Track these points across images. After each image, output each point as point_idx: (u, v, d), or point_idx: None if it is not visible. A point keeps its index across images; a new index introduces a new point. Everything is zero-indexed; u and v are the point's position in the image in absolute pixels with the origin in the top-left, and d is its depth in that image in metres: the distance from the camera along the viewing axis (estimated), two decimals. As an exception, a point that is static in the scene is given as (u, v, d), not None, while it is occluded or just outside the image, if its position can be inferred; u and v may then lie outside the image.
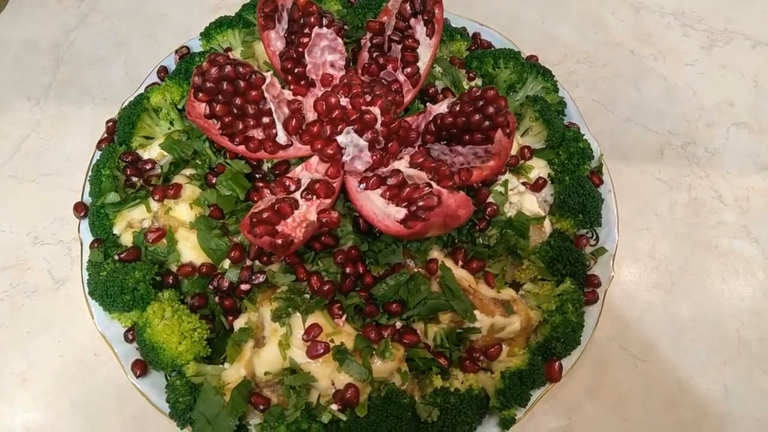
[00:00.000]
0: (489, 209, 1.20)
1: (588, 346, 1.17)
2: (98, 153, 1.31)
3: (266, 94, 1.06)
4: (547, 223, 1.25)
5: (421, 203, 0.99)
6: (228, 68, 1.04)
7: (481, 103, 1.10)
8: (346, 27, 1.46)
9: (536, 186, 1.31)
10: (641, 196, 1.53)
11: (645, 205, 1.52)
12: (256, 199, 1.17)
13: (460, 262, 1.15)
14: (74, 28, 1.75)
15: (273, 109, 1.07)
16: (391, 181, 1.07)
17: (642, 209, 1.51)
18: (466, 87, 1.39)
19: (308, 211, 1.04)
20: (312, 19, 1.14)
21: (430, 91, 1.31)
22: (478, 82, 1.45)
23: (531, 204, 1.25)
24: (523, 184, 1.30)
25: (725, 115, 1.67)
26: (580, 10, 1.87)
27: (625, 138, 1.62)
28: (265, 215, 0.98)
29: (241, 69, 1.05)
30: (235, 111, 1.08)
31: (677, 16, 1.86)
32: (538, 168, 1.34)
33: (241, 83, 1.06)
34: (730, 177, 1.57)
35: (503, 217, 1.22)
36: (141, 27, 1.77)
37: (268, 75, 1.07)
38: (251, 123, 1.08)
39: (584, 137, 1.36)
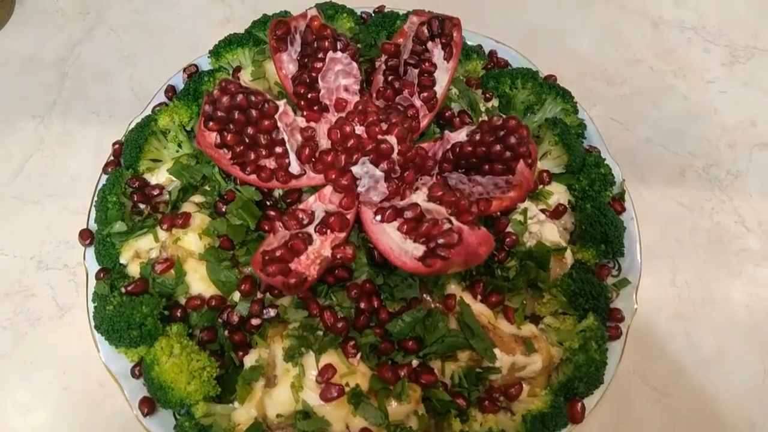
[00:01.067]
0: (508, 239, 1.16)
1: (608, 381, 1.13)
2: (104, 176, 1.28)
3: (279, 124, 1.02)
4: (568, 254, 1.20)
5: (440, 240, 0.94)
6: (240, 97, 1.00)
7: (502, 132, 1.05)
8: (359, 45, 1.42)
9: (556, 213, 1.26)
10: (662, 221, 1.49)
11: (666, 230, 1.48)
12: (267, 228, 1.13)
13: (479, 297, 1.11)
14: (79, 42, 1.71)
15: (286, 138, 1.02)
16: (408, 214, 1.02)
17: (663, 235, 1.47)
18: (483, 109, 1.35)
19: (322, 246, 1.00)
20: (326, 44, 1.10)
21: (446, 114, 1.27)
22: (495, 103, 1.40)
23: (551, 233, 1.20)
24: (542, 210, 1.25)
25: (748, 136, 1.62)
26: (598, 25, 1.82)
27: (645, 159, 1.57)
28: (278, 253, 0.93)
29: (253, 98, 1.01)
30: (247, 140, 1.04)
31: (698, 31, 1.81)
32: (558, 193, 1.30)
33: (254, 112, 1.02)
34: (753, 201, 1.52)
35: (523, 247, 1.17)
36: (147, 40, 1.73)
37: (281, 103, 1.03)
38: (263, 153, 1.04)
39: (605, 162, 1.32)
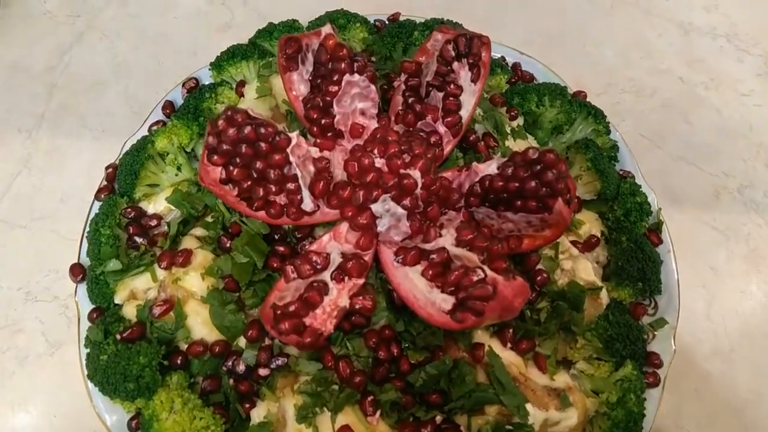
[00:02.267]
0: (539, 278, 1.06)
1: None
2: (97, 204, 1.17)
3: (291, 158, 0.91)
4: (603, 293, 1.11)
5: (473, 293, 0.85)
6: (248, 129, 0.89)
7: (538, 167, 0.95)
8: (373, 58, 1.31)
9: (588, 245, 1.17)
10: (695, 247, 1.39)
11: (699, 257, 1.38)
12: (276, 266, 1.03)
13: (509, 344, 1.02)
14: (69, 49, 1.59)
15: (299, 174, 0.92)
16: (434, 258, 0.92)
17: (696, 262, 1.37)
18: (508, 130, 1.24)
19: (339, 295, 0.90)
20: (342, 66, 0.99)
21: (471, 138, 1.16)
22: (520, 121, 1.30)
23: (586, 271, 1.11)
24: (573, 242, 1.16)
25: (786, 154, 1.52)
26: (624, 31, 1.70)
27: (676, 179, 1.47)
28: (291, 308, 0.84)
29: (262, 130, 0.90)
30: (255, 175, 0.94)
31: (730, 39, 1.70)
32: (589, 223, 1.20)
33: (263, 145, 0.91)
34: (792, 226, 1.42)
35: (555, 286, 1.08)
36: (142, 47, 1.61)
37: (294, 136, 0.92)
38: (273, 189, 0.93)
39: (641, 189, 1.22)
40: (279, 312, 0.84)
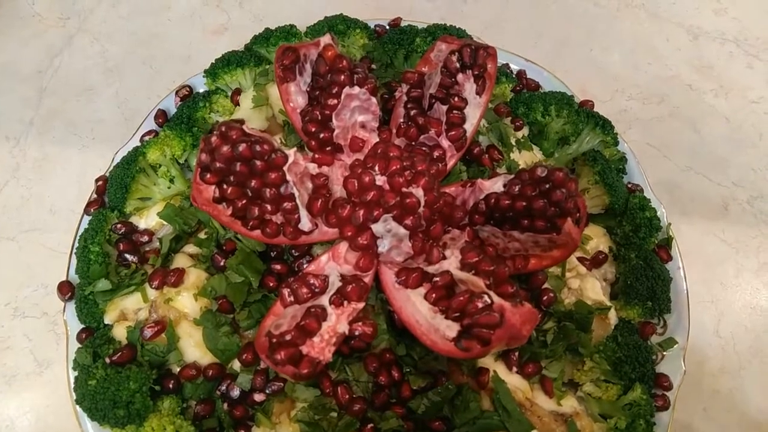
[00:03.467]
0: (545, 297, 1.03)
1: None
2: (86, 218, 1.13)
3: (288, 176, 0.87)
4: (612, 313, 1.07)
5: (479, 320, 0.81)
6: (242, 146, 0.85)
7: (546, 186, 0.91)
8: (373, 66, 1.26)
9: (595, 261, 1.13)
10: (703, 260, 1.35)
11: (708, 271, 1.34)
12: (272, 285, 0.99)
13: (514, 368, 0.98)
14: (59, 52, 1.54)
15: (296, 194, 0.87)
16: (437, 281, 0.88)
17: (705, 277, 1.34)
18: (513, 141, 1.20)
19: (338, 321, 0.86)
20: (342, 78, 0.94)
21: (475, 151, 1.12)
22: (525, 131, 1.25)
23: (594, 290, 1.07)
24: (580, 259, 1.12)
25: (797, 164, 1.48)
26: (631, 36, 1.66)
27: (685, 191, 1.43)
28: (287, 337, 0.79)
29: (258, 147, 0.85)
30: (250, 194, 0.89)
31: (740, 44, 1.66)
32: (596, 238, 1.16)
33: (258, 163, 0.86)
34: (804, 239, 1.39)
35: (561, 306, 1.04)
36: (134, 50, 1.56)
37: (291, 153, 0.87)
38: (269, 208, 0.89)
39: (650, 203, 1.18)
40: (274, 341, 0.80)
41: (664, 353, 1.09)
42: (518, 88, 1.33)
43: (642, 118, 1.53)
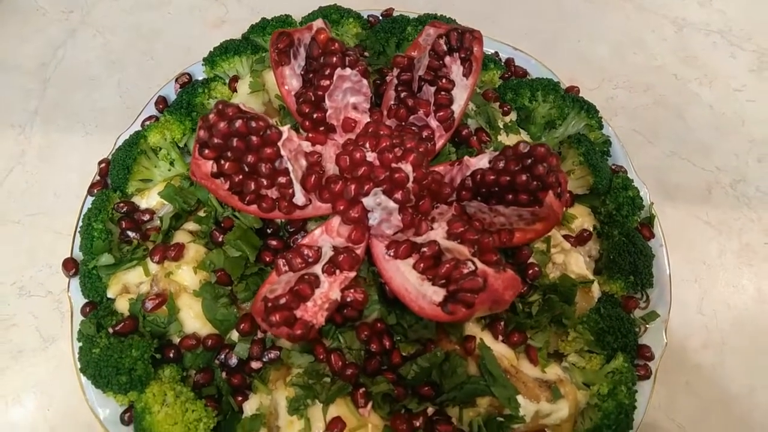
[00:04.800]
0: (530, 271, 1.07)
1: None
2: (90, 199, 1.17)
3: (283, 151, 0.92)
4: (595, 287, 1.11)
5: (463, 285, 0.85)
6: (239, 122, 0.90)
7: (529, 161, 0.95)
8: (366, 53, 1.31)
9: (580, 239, 1.17)
10: (687, 241, 1.40)
11: (692, 252, 1.39)
12: (268, 260, 1.04)
13: (500, 337, 1.02)
14: (62, 45, 1.59)
15: (290, 169, 0.92)
16: (425, 251, 0.93)
17: (689, 257, 1.38)
18: (501, 125, 1.25)
19: (331, 288, 0.90)
20: (334, 60, 0.99)
21: (464, 132, 1.17)
22: (513, 116, 1.30)
23: (578, 265, 1.11)
24: (566, 236, 1.16)
25: (778, 149, 1.53)
26: (618, 27, 1.71)
27: (670, 175, 1.48)
28: (282, 301, 0.84)
29: (254, 123, 0.90)
30: (247, 169, 0.94)
31: (723, 34, 1.71)
32: (581, 217, 1.20)
33: (254, 139, 0.91)
34: (784, 220, 1.43)
35: (546, 280, 1.08)
36: (136, 43, 1.61)
37: (285, 129, 0.92)
38: (265, 183, 0.94)
39: (633, 183, 1.22)
40: (270, 305, 0.84)
41: (647, 326, 1.14)
42: (506, 75, 1.38)
43: (628, 105, 1.58)
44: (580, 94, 1.34)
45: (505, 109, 1.29)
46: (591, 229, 1.19)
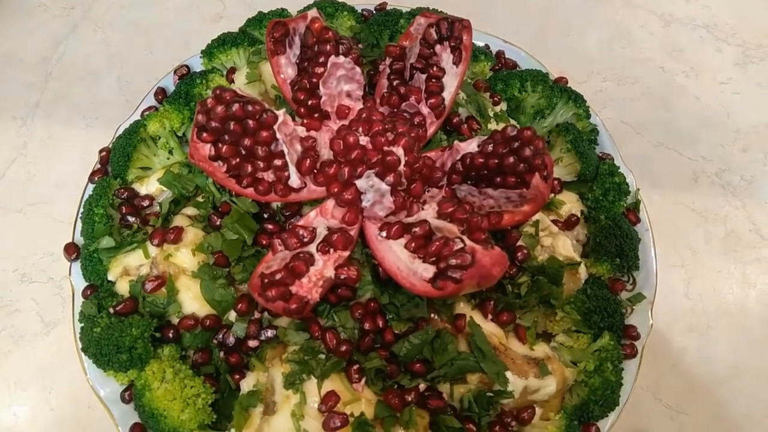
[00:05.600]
0: (519, 254, 1.10)
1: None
2: (91, 186, 1.20)
3: (278, 135, 0.95)
4: (582, 269, 1.14)
5: (452, 261, 0.88)
6: (236, 106, 0.93)
7: (516, 144, 0.99)
8: (360, 46, 1.34)
9: (568, 224, 1.20)
10: (674, 228, 1.44)
11: (678, 238, 1.43)
12: (264, 243, 1.07)
13: (490, 315, 1.05)
14: (63, 39, 1.62)
15: (286, 151, 0.95)
16: (416, 231, 0.96)
17: (675, 243, 1.42)
18: (491, 114, 1.28)
19: (325, 266, 0.93)
20: (328, 47, 1.03)
21: (454, 120, 1.20)
22: (503, 106, 1.34)
23: (565, 247, 1.14)
24: (554, 221, 1.20)
25: (762, 139, 1.57)
26: (607, 22, 1.75)
27: (657, 164, 1.52)
28: (277, 276, 0.87)
29: (250, 107, 0.93)
30: (243, 152, 0.97)
31: (709, 29, 1.75)
32: (570, 203, 1.24)
33: (251, 123, 0.94)
34: (768, 208, 1.47)
35: (535, 262, 1.11)
36: (135, 38, 1.64)
37: (281, 113, 0.95)
38: (261, 165, 0.97)
39: (619, 170, 1.26)
40: (266, 280, 0.87)
41: (633, 307, 1.17)
42: (497, 67, 1.42)
43: (616, 97, 1.62)
44: (568, 85, 1.38)
45: (496, 99, 1.32)
46: (579, 214, 1.22)
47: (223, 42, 1.32)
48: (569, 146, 1.24)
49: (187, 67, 1.36)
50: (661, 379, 1.26)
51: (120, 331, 0.99)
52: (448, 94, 1.12)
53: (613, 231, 1.16)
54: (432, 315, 1.03)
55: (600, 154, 1.31)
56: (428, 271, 0.91)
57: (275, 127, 0.95)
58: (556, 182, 1.23)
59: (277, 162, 0.97)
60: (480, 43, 1.43)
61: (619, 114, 1.58)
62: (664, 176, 1.50)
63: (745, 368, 1.27)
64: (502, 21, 1.71)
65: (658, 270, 1.18)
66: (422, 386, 0.99)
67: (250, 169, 0.97)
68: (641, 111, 1.59)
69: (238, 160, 0.97)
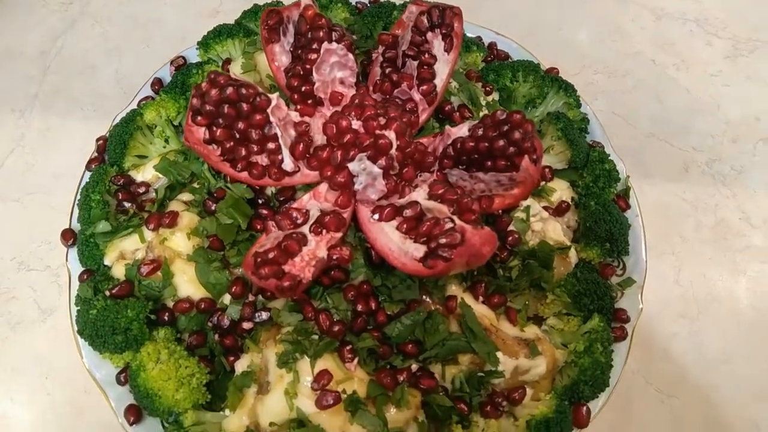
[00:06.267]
0: (510, 238, 1.11)
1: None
2: (87, 174, 1.22)
3: (272, 118, 0.97)
4: (572, 253, 1.16)
5: (442, 240, 0.90)
6: (230, 89, 0.95)
7: (506, 127, 1.01)
8: (354, 37, 1.36)
9: (559, 210, 1.22)
10: (665, 217, 1.45)
11: (669, 227, 1.44)
12: (259, 227, 1.08)
13: (481, 298, 1.07)
14: (62, 34, 1.64)
15: (279, 134, 0.97)
16: (407, 213, 0.98)
17: (666, 231, 1.43)
18: (483, 103, 1.30)
19: (317, 247, 0.95)
20: (321, 34, 1.05)
21: (446, 108, 1.22)
22: (495, 96, 1.36)
23: (555, 232, 1.16)
24: (545, 208, 1.21)
25: (752, 130, 1.59)
26: (598, 17, 1.77)
27: (648, 155, 1.54)
28: (270, 255, 0.88)
29: (243, 91, 0.95)
30: (237, 135, 0.99)
31: (700, 23, 1.77)
32: (560, 190, 1.25)
33: (244, 106, 0.96)
34: (758, 197, 1.49)
35: (525, 246, 1.13)
36: (133, 32, 1.66)
37: (274, 97, 0.97)
38: (255, 149, 0.99)
39: (609, 158, 1.28)
40: (259, 259, 0.88)
41: (624, 291, 1.18)
42: (489, 58, 1.44)
43: (608, 90, 1.64)
44: (560, 76, 1.40)
45: (488, 89, 1.34)
46: (569, 201, 1.24)
47: (219, 33, 1.34)
48: (560, 134, 1.26)
49: (183, 58, 1.38)
50: (651, 364, 1.28)
51: (116, 312, 1.01)
52: (439, 81, 1.14)
53: (603, 216, 1.18)
54: (424, 297, 1.05)
55: (590, 143, 1.33)
56: (419, 250, 0.93)
57: (268, 110, 0.96)
58: (547, 170, 1.25)
59: (271, 145, 0.98)
60: (472, 35, 1.45)
61: (610, 105, 1.60)
62: (655, 166, 1.52)
63: (734, 353, 1.29)
64: (493, 15, 1.73)
65: (649, 257, 1.20)
66: (414, 367, 1.01)
67: (244, 152, 0.99)
68: (632, 103, 1.61)
69: (232, 143, 0.99)
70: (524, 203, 1.16)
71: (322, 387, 0.93)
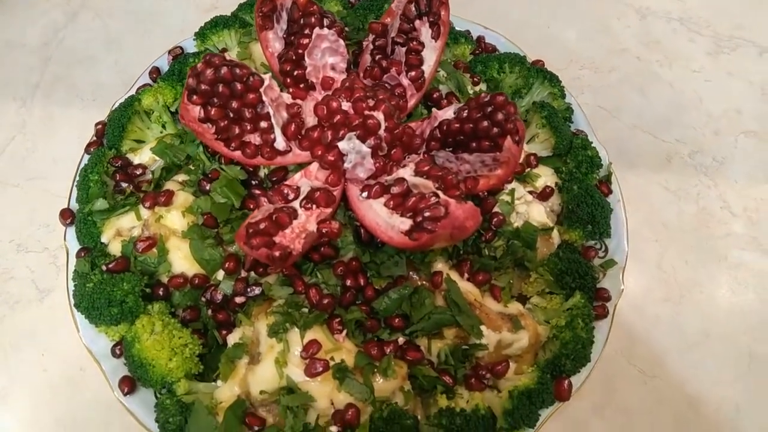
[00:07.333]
0: (495, 219, 1.15)
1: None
2: (86, 157, 1.26)
3: (264, 98, 1.01)
4: (555, 234, 1.20)
5: (427, 214, 0.94)
6: (224, 70, 0.99)
7: (489, 109, 1.05)
8: (347, 29, 1.41)
9: (543, 195, 1.26)
10: (649, 205, 1.49)
11: (652, 214, 1.48)
12: (252, 206, 1.12)
13: (466, 275, 1.10)
14: (63, 27, 1.69)
15: (271, 113, 1.01)
16: (395, 190, 1.02)
17: (649, 219, 1.47)
18: (471, 92, 1.35)
19: (307, 221, 0.99)
20: (312, 20, 1.09)
21: (434, 95, 1.26)
22: (483, 86, 1.40)
23: (539, 214, 1.20)
24: (530, 192, 1.25)
25: (733, 124, 1.63)
26: (586, 15, 1.83)
27: (632, 146, 1.58)
28: (262, 226, 0.92)
29: (237, 71, 1.00)
30: (231, 115, 1.03)
31: (683, 22, 1.83)
32: (545, 176, 1.29)
33: (238, 86, 1.00)
34: (738, 187, 1.53)
35: (510, 227, 1.17)
36: (133, 26, 1.71)
37: (267, 77, 1.01)
38: (248, 128, 1.03)
39: (592, 145, 1.32)
40: (251, 230, 0.92)
41: (606, 272, 1.22)
42: (477, 51, 1.48)
43: (594, 84, 1.69)
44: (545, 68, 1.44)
45: (475, 79, 1.39)
46: (553, 186, 1.28)
47: (216, 24, 1.39)
48: (544, 122, 1.30)
49: (181, 48, 1.43)
50: (634, 346, 1.31)
51: (112, 285, 1.04)
52: (427, 67, 1.18)
53: (585, 200, 1.22)
54: (411, 273, 1.08)
55: (574, 131, 1.37)
56: (405, 224, 0.96)
57: (261, 89, 1.00)
58: (532, 157, 1.29)
59: (263, 124, 1.03)
60: (461, 29, 1.50)
61: (596, 99, 1.65)
62: (639, 157, 1.56)
63: (713, 335, 1.32)
64: (481, 10, 1.77)
65: (633, 243, 1.23)
66: (401, 340, 1.04)
67: (237, 131, 1.03)
68: (617, 97, 1.66)
69: (226, 122, 1.03)
70: (509, 186, 1.21)
71: (311, 356, 0.96)
